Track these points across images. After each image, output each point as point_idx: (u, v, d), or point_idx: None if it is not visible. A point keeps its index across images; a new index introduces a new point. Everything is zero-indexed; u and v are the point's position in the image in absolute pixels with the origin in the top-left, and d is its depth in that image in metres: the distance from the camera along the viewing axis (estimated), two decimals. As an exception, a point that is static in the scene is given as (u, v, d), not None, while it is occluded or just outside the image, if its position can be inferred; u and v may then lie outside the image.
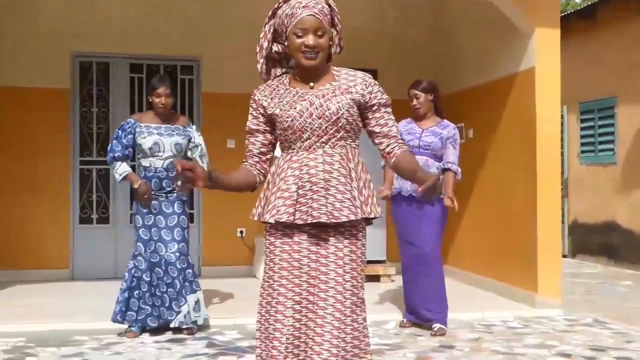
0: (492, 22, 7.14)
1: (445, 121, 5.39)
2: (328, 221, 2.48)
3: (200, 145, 5.32)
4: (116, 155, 5.14)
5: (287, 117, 2.53)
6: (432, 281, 5.28)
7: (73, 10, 7.97)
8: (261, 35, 2.61)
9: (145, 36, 8.09)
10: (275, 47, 2.61)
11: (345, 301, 2.48)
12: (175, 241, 5.14)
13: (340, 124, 2.53)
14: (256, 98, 2.62)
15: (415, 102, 5.38)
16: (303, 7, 2.50)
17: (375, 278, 7.73)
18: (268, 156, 2.67)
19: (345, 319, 2.46)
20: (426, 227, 5.21)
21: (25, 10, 7.87)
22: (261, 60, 2.63)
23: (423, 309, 5.34)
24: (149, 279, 5.13)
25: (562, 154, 7.32)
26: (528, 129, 6.48)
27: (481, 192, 7.52)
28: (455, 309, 5.71)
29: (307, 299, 2.50)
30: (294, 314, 2.48)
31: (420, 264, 5.26)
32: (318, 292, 2.49)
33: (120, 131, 5.21)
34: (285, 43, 2.56)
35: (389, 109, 2.64)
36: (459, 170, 5.33)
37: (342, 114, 2.53)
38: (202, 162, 5.30)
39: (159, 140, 5.15)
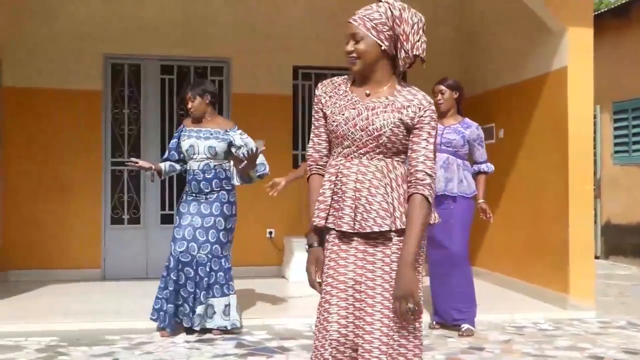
0: (523, 20, 7.09)
1: (467, 120, 5.39)
2: (353, 230, 2.46)
3: (246, 144, 5.23)
4: (163, 157, 5.47)
5: (333, 122, 2.53)
6: (460, 281, 5.25)
7: (105, 13, 8.07)
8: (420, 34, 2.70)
9: (175, 38, 8.16)
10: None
11: (390, 324, 2.42)
12: (209, 242, 5.17)
13: (381, 141, 2.47)
14: (318, 93, 2.61)
15: (439, 97, 5.42)
16: (353, 14, 2.55)
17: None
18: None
19: (391, 333, 2.42)
20: (454, 227, 5.19)
21: (58, 13, 7.98)
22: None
23: (451, 309, 5.31)
24: (175, 277, 5.14)
25: (594, 154, 7.23)
26: (560, 129, 6.42)
27: (512, 192, 7.47)
28: (484, 310, 5.67)
29: (353, 305, 2.46)
30: (338, 319, 2.45)
31: (448, 264, 5.23)
32: (365, 297, 2.45)
33: (174, 138, 5.47)
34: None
35: (430, 137, 2.48)
36: (492, 166, 5.42)
37: (384, 131, 2.47)
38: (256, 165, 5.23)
39: (195, 142, 5.26)
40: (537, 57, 6.87)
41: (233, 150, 5.27)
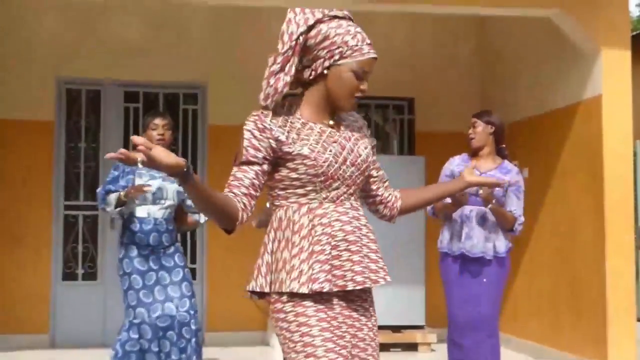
0: (550, 42, 7.18)
1: (507, 163, 5.23)
2: (370, 285, 2.52)
3: None
4: (107, 189, 5.11)
5: (323, 162, 2.46)
6: (485, 351, 5.18)
7: (58, 29, 8.13)
8: (285, 46, 2.47)
9: (142, 60, 8.21)
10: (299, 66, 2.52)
11: None
12: (187, 297, 5.15)
13: (366, 173, 2.59)
14: (267, 125, 2.46)
15: (471, 130, 5.22)
16: (368, 44, 2.50)
17: (412, 347, 7.65)
18: (257, 194, 2.49)
19: None
20: (485, 286, 5.09)
21: (4, 30, 8.04)
22: (286, 79, 2.47)
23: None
24: (157, 349, 5.05)
25: (635, 197, 7.25)
26: (594, 168, 6.46)
27: (539, 243, 7.48)
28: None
29: None
30: None
31: (474, 328, 5.16)
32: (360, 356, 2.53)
33: (115, 171, 5.21)
34: (323, 70, 2.49)
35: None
36: (522, 219, 5.16)
37: (370, 161, 2.60)
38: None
39: (163, 185, 5.18)
40: (566, 83, 6.95)
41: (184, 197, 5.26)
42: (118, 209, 5.06)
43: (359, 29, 2.50)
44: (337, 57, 2.47)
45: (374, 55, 2.50)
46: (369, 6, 6.51)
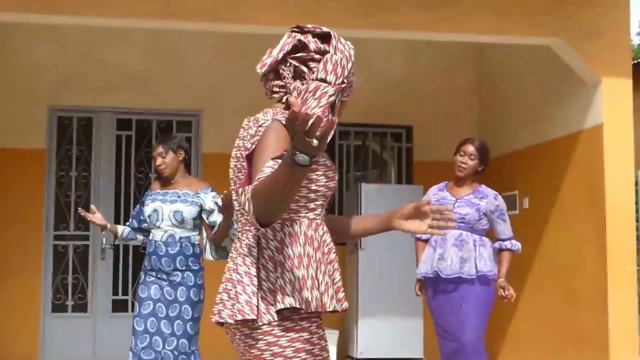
0: (550, 70, 7.29)
1: (483, 188, 5.35)
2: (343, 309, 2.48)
3: (217, 212, 5.22)
4: (127, 223, 5.46)
5: (336, 174, 2.45)
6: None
7: (51, 57, 8.24)
8: (339, 80, 2.40)
9: (134, 87, 8.31)
10: (304, 68, 2.44)
11: None
12: (175, 336, 5.10)
13: None
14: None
15: (465, 159, 5.29)
16: (353, 73, 2.52)
17: (411, 380, 7.71)
18: None
19: None
20: (466, 314, 5.15)
21: (-5, 57, 8.17)
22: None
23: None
24: None
25: (637, 227, 7.32)
26: (595, 198, 6.53)
27: (540, 273, 7.53)
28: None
29: None
30: None
31: (460, 358, 5.22)
32: None
33: (139, 205, 5.48)
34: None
35: None
36: (517, 244, 5.35)
37: None
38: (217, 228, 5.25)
39: (159, 207, 5.21)
40: (566, 112, 7.04)
41: (204, 216, 5.25)
42: (128, 238, 5.43)
43: (351, 61, 2.51)
44: (343, 80, 2.45)
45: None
46: (367, 33, 6.60)
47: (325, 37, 2.47)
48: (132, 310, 5.49)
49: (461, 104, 8.99)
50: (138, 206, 5.47)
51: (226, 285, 2.37)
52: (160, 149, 5.30)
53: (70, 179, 8.35)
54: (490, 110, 8.78)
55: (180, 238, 5.19)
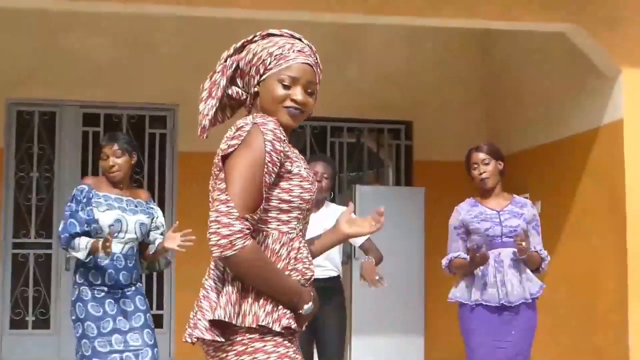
0: (565, 61, 7.24)
1: (518, 197, 5.32)
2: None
3: (163, 227, 5.31)
4: (73, 233, 5.00)
5: (310, 185, 2.55)
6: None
7: (10, 48, 8.14)
8: (217, 69, 2.65)
9: (103, 77, 8.23)
10: (230, 90, 2.64)
11: None
12: (148, 346, 5.07)
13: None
14: (283, 136, 2.49)
15: (483, 169, 5.19)
16: (298, 51, 2.58)
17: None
18: None
19: None
20: (519, 340, 5.20)
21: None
22: (212, 102, 2.61)
23: None
24: None
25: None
26: (615, 202, 6.50)
27: (553, 286, 7.44)
28: None
29: None
30: None
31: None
32: None
33: (73, 203, 5.08)
34: (254, 89, 2.60)
35: None
36: (548, 257, 5.25)
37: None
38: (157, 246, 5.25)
39: (122, 216, 5.09)
40: (583, 107, 7.00)
41: (153, 228, 5.26)
42: (88, 257, 4.94)
43: (292, 40, 2.62)
44: (262, 70, 2.58)
45: (303, 61, 2.58)
46: (363, 18, 6.57)
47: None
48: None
49: (466, 97, 8.94)
50: (72, 207, 5.03)
51: (197, 301, 2.52)
52: (115, 147, 5.10)
53: (31, 180, 8.27)
54: (498, 105, 8.73)
55: (136, 251, 5.19)
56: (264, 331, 2.45)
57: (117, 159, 5.12)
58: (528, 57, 8.10)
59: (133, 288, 5.15)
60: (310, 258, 2.57)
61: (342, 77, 8.49)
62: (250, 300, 2.45)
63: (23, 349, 7.97)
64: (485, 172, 5.19)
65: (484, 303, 5.09)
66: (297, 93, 2.55)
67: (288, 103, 2.54)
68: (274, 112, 2.53)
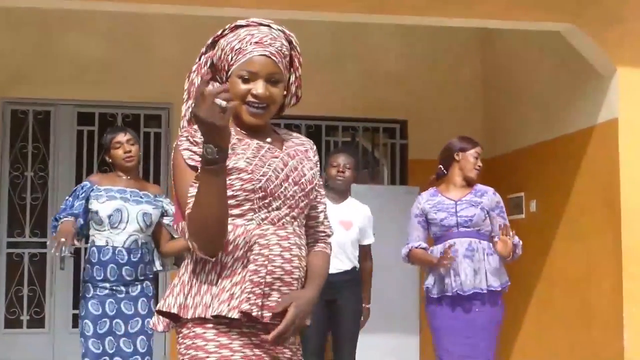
0: (560, 60, 7.34)
1: (479, 185, 5.40)
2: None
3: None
4: (57, 217, 5.08)
5: (261, 175, 2.54)
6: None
7: (5, 46, 8.19)
8: (193, 68, 2.71)
9: (98, 76, 8.28)
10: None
11: None
12: (139, 354, 5.09)
13: (310, 197, 2.68)
14: (199, 139, 2.50)
15: (479, 163, 5.36)
16: (255, 42, 2.57)
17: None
18: None
19: None
20: (480, 333, 5.16)
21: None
22: (190, 102, 2.67)
23: None
24: None
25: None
26: (611, 200, 6.56)
27: (548, 286, 7.56)
28: None
29: None
30: None
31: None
32: None
33: (71, 198, 5.18)
34: (226, 84, 2.58)
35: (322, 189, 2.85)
36: (520, 242, 5.26)
37: (315, 184, 2.71)
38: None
39: (123, 206, 5.11)
40: (578, 106, 7.09)
41: (166, 221, 5.29)
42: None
43: (253, 31, 2.60)
44: (226, 66, 2.61)
45: (261, 53, 2.56)
46: (358, 17, 6.64)
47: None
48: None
49: (462, 95, 9.03)
50: (77, 201, 5.11)
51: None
52: (128, 136, 5.24)
53: (25, 179, 8.32)
54: (494, 104, 8.83)
55: (142, 244, 5.18)
56: (217, 323, 2.52)
57: (131, 146, 5.23)
58: (524, 55, 8.17)
59: (139, 286, 5.15)
60: (279, 242, 2.55)
61: (338, 76, 8.58)
62: (202, 290, 2.55)
63: (18, 348, 8.01)
64: (479, 164, 5.37)
65: (444, 295, 5.18)
66: (258, 87, 2.55)
67: (249, 99, 2.56)
68: (238, 109, 2.54)
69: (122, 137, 5.22)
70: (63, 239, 4.81)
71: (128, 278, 5.10)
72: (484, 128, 8.61)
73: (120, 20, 8.25)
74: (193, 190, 2.43)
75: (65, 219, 4.98)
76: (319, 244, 2.79)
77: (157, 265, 5.30)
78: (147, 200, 5.22)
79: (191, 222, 2.43)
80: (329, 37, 8.38)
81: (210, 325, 2.52)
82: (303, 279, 2.65)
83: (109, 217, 5.06)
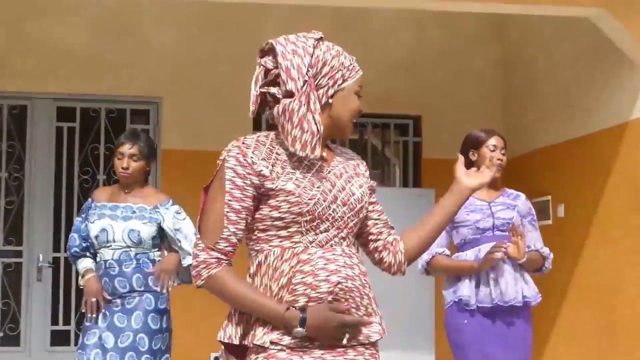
0: (590, 49, 7.24)
1: (509, 189, 5.30)
2: (362, 342, 2.76)
3: (181, 231, 5.29)
4: (73, 251, 5.34)
5: (309, 199, 2.69)
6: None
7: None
8: (299, 82, 2.71)
9: (79, 68, 8.21)
10: (275, 90, 2.75)
11: None
12: None
13: (360, 216, 2.83)
14: (249, 160, 2.69)
15: (500, 156, 5.10)
16: (355, 61, 2.84)
17: None
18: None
19: None
20: (512, 353, 5.12)
21: None
22: (317, 117, 2.71)
23: None
24: None
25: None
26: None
27: (577, 295, 7.51)
28: None
29: None
30: None
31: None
32: None
33: (80, 217, 5.42)
34: (324, 100, 2.73)
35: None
36: (551, 255, 5.20)
37: (365, 202, 2.85)
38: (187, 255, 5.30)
39: (109, 225, 5.22)
40: (610, 100, 7.00)
41: (172, 235, 5.31)
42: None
43: (332, 45, 2.84)
44: (340, 81, 2.77)
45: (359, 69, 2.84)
46: (366, 2, 6.73)
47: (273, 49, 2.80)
48: (76, 344, 5.53)
49: (479, 89, 8.95)
50: (79, 221, 5.44)
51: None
52: (134, 150, 5.26)
53: (-1, 181, 8.25)
54: (514, 98, 8.74)
55: (137, 254, 5.26)
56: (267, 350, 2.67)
57: (133, 163, 5.26)
58: (548, 45, 8.10)
59: (136, 299, 5.21)
60: (326, 266, 2.67)
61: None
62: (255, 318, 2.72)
63: (-10, 368, 7.96)
64: (503, 160, 5.14)
65: (478, 305, 5.05)
66: (359, 104, 2.82)
67: (357, 115, 2.84)
68: (348, 122, 2.81)
69: (126, 149, 5.28)
70: (93, 299, 5.18)
71: (122, 290, 5.23)
72: (503, 125, 8.54)
73: (104, 6, 8.21)
74: (226, 231, 2.67)
75: (88, 276, 5.26)
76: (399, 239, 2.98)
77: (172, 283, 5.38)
78: (138, 215, 5.29)
79: (208, 288, 2.70)
80: (331, 23, 8.25)
81: (275, 350, 2.66)
82: (366, 297, 2.79)
83: (96, 237, 5.30)
